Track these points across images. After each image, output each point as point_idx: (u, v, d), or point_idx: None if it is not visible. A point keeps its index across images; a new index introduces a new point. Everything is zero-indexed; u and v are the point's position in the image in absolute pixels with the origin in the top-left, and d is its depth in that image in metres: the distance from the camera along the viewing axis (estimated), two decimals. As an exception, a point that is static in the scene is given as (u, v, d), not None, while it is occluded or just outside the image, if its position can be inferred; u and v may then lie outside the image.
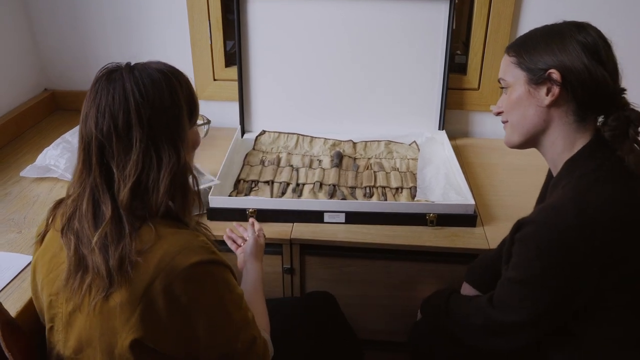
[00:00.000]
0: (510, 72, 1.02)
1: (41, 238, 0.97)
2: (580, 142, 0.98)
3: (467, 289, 1.30)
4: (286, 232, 1.42)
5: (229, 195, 1.53)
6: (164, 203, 0.87)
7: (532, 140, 1.04)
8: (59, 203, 0.97)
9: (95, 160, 0.85)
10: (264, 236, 1.33)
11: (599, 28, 0.98)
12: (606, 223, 0.89)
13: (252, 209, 1.44)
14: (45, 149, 1.64)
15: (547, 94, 0.97)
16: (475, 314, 1.08)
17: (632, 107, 0.96)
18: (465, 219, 1.43)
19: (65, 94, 2.06)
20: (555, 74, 0.95)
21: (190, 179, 0.93)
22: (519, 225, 0.96)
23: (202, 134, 1.05)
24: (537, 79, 0.97)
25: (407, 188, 1.58)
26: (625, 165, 0.93)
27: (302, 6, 1.75)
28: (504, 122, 1.08)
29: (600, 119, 0.98)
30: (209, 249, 0.88)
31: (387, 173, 1.66)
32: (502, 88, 1.06)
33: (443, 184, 1.56)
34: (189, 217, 0.93)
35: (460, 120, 1.96)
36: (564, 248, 0.90)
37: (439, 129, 1.85)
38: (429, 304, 1.28)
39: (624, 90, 0.97)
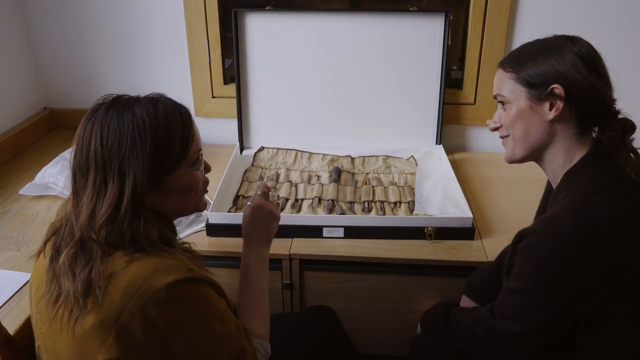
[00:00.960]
0: (509, 88, 1.02)
1: (38, 253, 0.98)
2: (579, 155, 0.99)
3: (466, 302, 1.30)
4: (285, 247, 1.42)
5: (228, 211, 1.54)
6: (114, 233, 0.86)
7: (534, 155, 1.04)
8: (55, 221, 0.98)
9: (72, 190, 0.90)
10: (277, 205, 1.17)
11: (592, 42, 0.99)
12: (604, 232, 0.90)
13: (251, 224, 1.44)
14: (44, 167, 1.65)
15: (550, 109, 0.97)
16: (476, 324, 1.08)
17: (623, 116, 0.98)
18: (463, 232, 1.44)
19: (64, 112, 2.08)
20: (558, 89, 0.95)
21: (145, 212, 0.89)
22: (521, 236, 0.97)
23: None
24: (540, 94, 0.97)
25: (405, 202, 1.59)
26: (622, 175, 0.95)
27: (299, 24, 1.78)
28: (503, 137, 1.08)
29: (595, 129, 0.99)
30: (185, 266, 0.87)
31: (385, 188, 1.67)
32: (499, 102, 1.06)
33: (441, 197, 1.57)
34: (165, 244, 0.91)
35: (458, 135, 1.98)
36: (564, 257, 0.90)
37: (436, 144, 1.87)
38: (429, 317, 1.27)
39: (614, 100, 0.99)
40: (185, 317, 0.85)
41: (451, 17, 1.73)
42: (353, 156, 1.84)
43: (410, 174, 1.76)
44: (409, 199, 1.60)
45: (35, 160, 1.80)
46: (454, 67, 1.97)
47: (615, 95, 0.99)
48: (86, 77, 2.03)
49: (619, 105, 0.99)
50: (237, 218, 1.45)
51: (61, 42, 1.99)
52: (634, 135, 0.98)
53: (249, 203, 1.15)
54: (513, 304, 0.99)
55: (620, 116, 0.98)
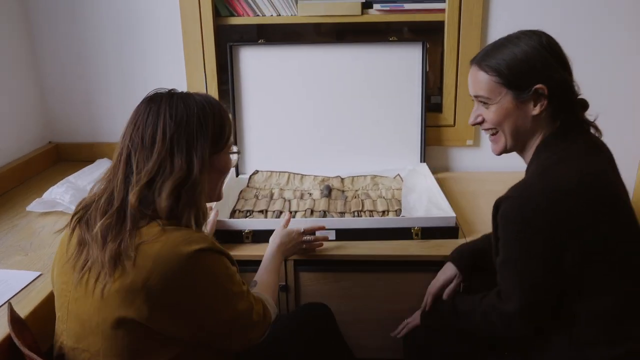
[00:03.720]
0: (492, 89, 1.11)
1: (66, 226, 1.05)
2: (548, 132, 1.12)
3: (449, 267, 1.34)
4: None
5: (226, 222, 1.62)
6: (167, 207, 0.97)
7: (522, 145, 1.16)
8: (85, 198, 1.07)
9: (122, 166, 1.00)
10: (289, 233, 1.43)
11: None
12: (569, 191, 1.01)
13: (249, 230, 1.52)
14: (51, 188, 1.74)
15: (535, 106, 1.10)
16: (490, 313, 1.13)
17: (580, 97, 1.12)
18: (447, 231, 1.53)
19: (68, 146, 2.19)
20: (542, 89, 1.08)
21: (198, 193, 1.02)
22: (498, 205, 1.08)
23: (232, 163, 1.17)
24: (525, 94, 1.09)
25: (392, 211, 1.69)
26: (584, 146, 1.08)
27: (289, 56, 1.95)
28: (486, 130, 1.18)
29: None
30: (209, 239, 0.99)
31: (373, 200, 1.77)
32: (480, 102, 1.16)
33: (426, 203, 1.67)
34: (196, 225, 1.02)
35: (439, 156, 2.10)
36: (538, 213, 1.01)
37: (421, 162, 1.99)
38: (432, 312, 1.33)
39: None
40: (206, 280, 0.96)
41: (428, 46, 1.90)
42: (342, 176, 1.95)
43: (397, 189, 1.86)
44: (396, 207, 1.70)
45: (41, 186, 1.87)
46: (434, 94, 2.13)
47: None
48: (90, 114, 2.17)
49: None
50: (234, 224, 1.54)
51: (68, 80, 2.13)
52: (597, 112, 1.12)
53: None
54: (511, 279, 1.07)
55: (579, 97, 1.12)
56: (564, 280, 1.03)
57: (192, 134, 1.00)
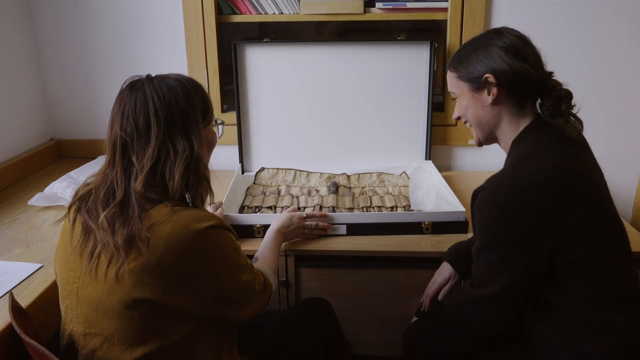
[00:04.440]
0: (455, 85, 1.20)
1: (64, 217, 1.05)
2: (523, 125, 1.14)
3: (445, 267, 1.35)
4: (282, 245, 1.48)
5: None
6: (180, 188, 0.99)
7: (490, 134, 1.20)
8: (83, 185, 1.06)
9: (119, 157, 0.99)
10: (290, 217, 1.45)
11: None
12: (540, 184, 1.02)
13: (260, 224, 1.51)
14: (52, 183, 1.71)
15: (488, 95, 1.14)
16: (464, 302, 1.16)
17: (562, 86, 1.12)
18: (457, 226, 1.53)
19: (70, 143, 2.17)
20: (490, 78, 1.12)
21: (203, 168, 1.04)
22: (474, 195, 1.10)
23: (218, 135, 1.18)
24: (477, 85, 1.14)
25: (401, 206, 1.69)
26: (560, 137, 1.09)
27: (295, 54, 1.94)
28: (465, 123, 1.24)
29: (538, 102, 1.13)
30: (215, 217, 1.00)
31: (381, 197, 1.76)
32: (454, 99, 1.24)
33: (434, 199, 1.67)
34: (201, 203, 1.06)
35: (443, 155, 2.11)
36: (510, 206, 1.02)
37: (426, 159, 1.99)
38: (427, 312, 1.34)
39: (551, 73, 1.14)
40: (216, 254, 0.98)
41: (436, 45, 1.91)
42: (349, 174, 1.94)
43: (404, 186, 1.86)
44: (404, 203, 1.70)
45: (42, 182, 1.85)
46: (436, 93, 2.13)
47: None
48: (92, 111, 2.14)
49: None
50: (245, 219, 1.53)
51: (70, 77, 2.11)
52: (576, 102, 1.12)
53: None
54: (484, 266, 1.08)
55: (561, 87, 1.12)
56: (538, 268, 1.04)
57: (184, 112, 1.01)
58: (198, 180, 1.02)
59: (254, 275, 1.08)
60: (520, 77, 1.10)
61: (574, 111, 1.12)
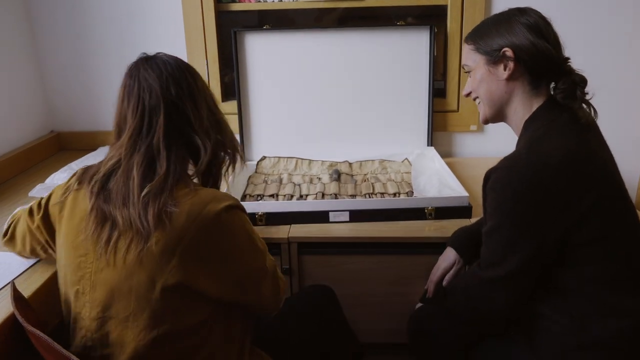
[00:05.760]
0: (471, 57, 1.19)
1: (65, 200, 1.04)
2: (536, 106, 1.14)
3: (449, 252, 1.35)
4: (285, 232, 1.48)
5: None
6: (212, 165, 1.06)
7: (500, 111, 1.19)
8: (86, 169, 1.05)
9: (163, 122, 0.98)
10: None
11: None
12: (553, 167, 1.02)
13: (262, 212, 1.51)
14: (53, 174, 1.72)
15: (504, 69, 1.13)
16: (470, 283, 1.16)
17: (577, 72, 1.12)
18: (461, 211, 1.53)
19: (70, 135, 2.16)
20: (508, 52, 1.11)
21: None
22: (487, 176, 1.09)
23: None
24: (494, 58, 1.14)
25: (404, 193, 1.69)
26: (573, 121, 1.08)
27: (295, 41, 1.93)
28: (475, 99, 1.24)
29: (552, 85, 1.14)
30: (233, 197, 1.01)
31: (383, 183, 1.76)
32: (467, 72, 1.23)
33: (437, 185, 1.67)
34: (218, 177, 1.10)
35: (444, 142, 2.11)
36: (525, 187, 1.02)
37: (428, 146, 1.99)
38: (431, 298, 1.34)
39: (568, 59, 1.13)
40: (238, 234, 0.99)
41: (435, 30, 1.90)
42: (350, 161, 1.94)
43: (406, 172, 1.86)
44: (407, 190, 1.70)
45: (43, 174, 1.85)
46: (436, 79, 2.13)
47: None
48: (91, 103, 2.14)
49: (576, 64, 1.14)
50: (247, 207, 1.52)
51: (69, 69, 2.10)
52: (591, 90, 1.12)
53: None
54: (494, 248, 1.08)
55: (575, 72, 1.12)
56: (549, 250, 1.04)
57: (198, 86, 1.05)
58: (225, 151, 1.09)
59: (273, 261, 1.10)
60: (540, 56, 1.10)
61: (587, 98, 1.11)
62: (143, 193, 0.93)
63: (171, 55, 1.07)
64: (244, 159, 1.14)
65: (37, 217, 1.10)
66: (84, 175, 1.04)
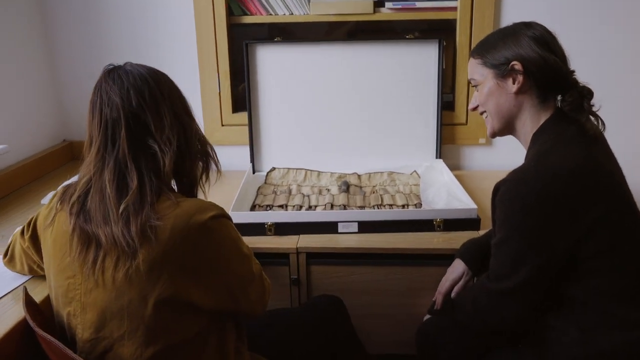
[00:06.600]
0: (478, 71, 1.20)
1: (50, 222, 1.01)
2: (544, 119, 1.15)
3: (458, 264, 1.35)
4: (293, 242, 1.49)
5: (246, 215, 1.62)
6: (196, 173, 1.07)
7: (508, 125, 1.20)
8: (67, 188, 1.04)
9: (125, 135, 0.95)
10: None
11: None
12: (563, 178, 1.03)
13: (271, 222, 1.52)
14: (64, 182, 1.72)
15: (513, 83, 1.14)
16: (479, 297, 1.16)
17: (582, 85, 1.13)
18: (469, 223, 1.53)
19: (82, 145, 2.08)
20: (517, 65, 1.12)
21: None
22: (496, 189, 1.10)
23: None
24: (503, 72, 1.15)
25: (412, 205, 1.69)
26: (580, 134, 1.09)
27: (306, 54, 1.96)
28: (482, 114, 1.25)
29: (559, 98, 1.14)
30: (217, 206, 1.00)
31: (392, 195, 1.77)
32: (474, 87, 1.24)
33: (446, 197, 1.67)
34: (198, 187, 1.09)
35: (453, 155, 2.11)
36: (534, 199, 1.02)
37: (437, 158, 2.00)
38: (440, 310, 1.34)
39: (573, 71, 1.15)
40: (224, 243, 0.99)
41: (444, 44, 1.92)
42: (359, 173, 1.95)
43: (414, 185, 1.87)
44: (415, 202, 1.70)
45: (55, 182, 1.88)
46: (445, 92, 2.14)
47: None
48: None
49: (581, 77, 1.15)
50: (256, 217, 1.55)
51: (82, 79, 2.13)
52: (598, 102, 1.12)
53: None
54: (503, 260, 1.08)
55: (581, 85, 1.13)
56: (558, 262, 1.04)
57: (175, 88, 1.07)
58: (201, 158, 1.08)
59: (259, 266, 1.11)
60: (548, 68, 1.11)
61: (594, 110, 1.12)
62: (120, 209, 0.92)
63: (137, 64, 1.04)
64: (218, 166, 1.10)
65: (27, 237, 1.11)
66: (64, 196, 1.02)
